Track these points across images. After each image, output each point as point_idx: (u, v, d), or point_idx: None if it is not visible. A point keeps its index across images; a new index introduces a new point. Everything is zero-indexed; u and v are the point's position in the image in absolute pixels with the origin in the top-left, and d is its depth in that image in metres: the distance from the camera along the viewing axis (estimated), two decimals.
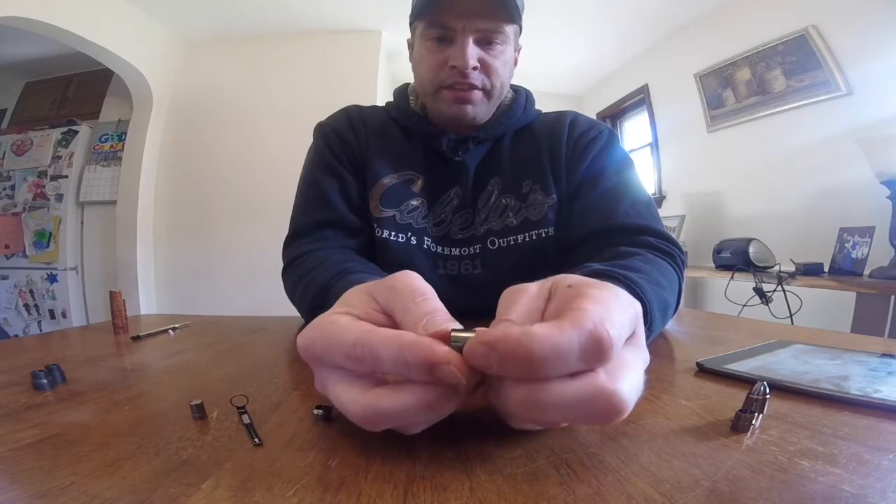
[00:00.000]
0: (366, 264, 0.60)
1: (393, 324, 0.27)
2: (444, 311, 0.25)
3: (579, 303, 0.22)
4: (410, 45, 0.71)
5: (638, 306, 0.25)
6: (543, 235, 0.68)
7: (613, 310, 0.22)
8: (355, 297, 0.29)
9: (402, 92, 0.75)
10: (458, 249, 0.70)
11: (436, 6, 0.62)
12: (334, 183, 0.68)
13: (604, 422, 0.21)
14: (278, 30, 2.99)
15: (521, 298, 0.25)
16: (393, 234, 0.68)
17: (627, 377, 0.21)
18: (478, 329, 0.22)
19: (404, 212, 0.69)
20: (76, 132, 3.09)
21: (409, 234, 0.69)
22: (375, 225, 0.68)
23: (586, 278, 0.26)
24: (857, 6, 1.93)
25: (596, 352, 0.20)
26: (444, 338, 0.22)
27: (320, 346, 0.25)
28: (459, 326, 0.24)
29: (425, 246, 0.69)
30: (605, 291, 0.23)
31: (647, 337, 0.41)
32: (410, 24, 0.68)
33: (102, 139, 3.11)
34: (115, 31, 2.62)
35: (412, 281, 0.27)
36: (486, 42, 0.64)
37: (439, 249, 0.70)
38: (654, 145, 3.22)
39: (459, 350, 0.21)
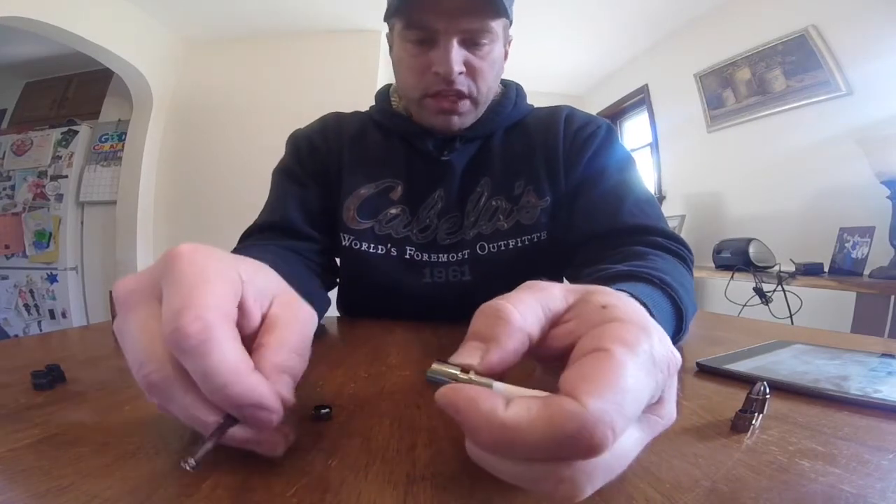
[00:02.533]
0: (286, 264, 0.53)
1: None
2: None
3: (590, 367, 0.17)
4: (390, 41, 0.66)
5: (675, 360, 0.19)
6: (536, 240, 0.65)
7: (634, 381, 0.17)
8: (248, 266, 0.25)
9: (383, 93, 0.72)
10: (445, 255, 0.66)
11: (414, 4, 0.56)
12: (293, 191, 0.67)
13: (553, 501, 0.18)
14: (278, 30, 3.00)
15: (538, 295, 0.21)
16: (371, 246, 0.66)
17: (597, 472, 0.17)
18: (461, 363, 0.19)
19: (383, 222, 0.66)
20: (76, 132, 3.09)
21: (389, 244, 0.66)
22: (353, 237, 0.66)
23: (624, 302, 0.21)
24: (857, 6, 1.93)
25: (577, 454, 0.16)
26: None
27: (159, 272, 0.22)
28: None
29: (407, 256, 0.66)
30: (640, 340, 0.18)
31: (675, 344, 0.39)
32: (387, 20, 0.63)
33: (102, 139, 3.11)
34: (115, 31, 2.62)
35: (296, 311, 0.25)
36: (472, 42, 0.59)
37: (424, 257, 0.66)
38: (654, 145, 3.22)
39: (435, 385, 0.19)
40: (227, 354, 0.20)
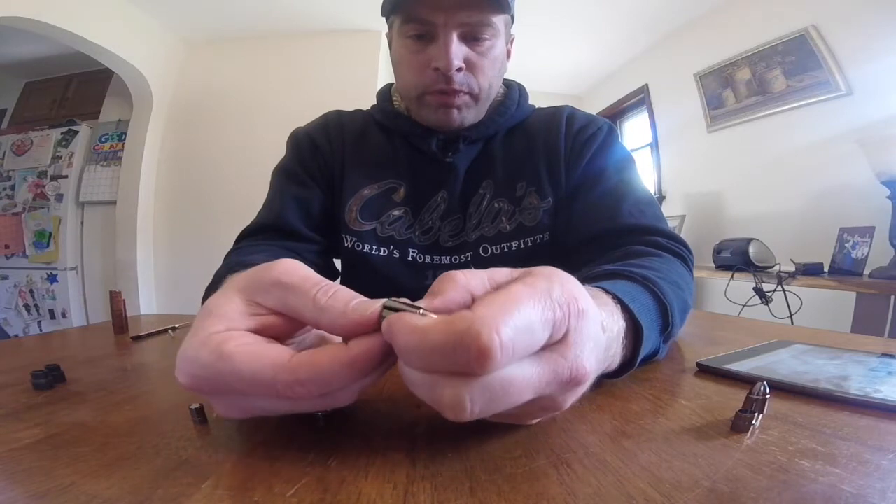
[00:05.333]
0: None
1: (284, 320, 0.25)
2: (359, 296, 0.24)
3: (487, 298, 0.20)
4: (389, 40, 0.66)
5: (577, 304, 0.22)
6: (538, 241, 0.64)
7: (524, 304, 0.20)
8: (227, 306, 0.25)
9: (384, 93, 0.72)
10: (448, 258, 0.65)
11: None
12: (293, 191, 0.66)
13: (445, 415, 0.20)
14: (278, 30, 2.99)
15: (489, 271, 0.24)
16: (374, 248, 0.65)
17: (477, 387, 0.19)
18: (411, 303, 0.22)
19: (385, 223, 0.65)
20: (76, 132, 3.09)
21: (391, 246, 0.65)
22: (355, 239, 0.65)
23: (545, 268, 0.24)
24: (857, 6, 1.93)
25: (468, 355, 0.18)
26: (374, 321, 0.22)
27: (229, 383, 0.22)
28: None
29: (409, 258, 0.65)
30: (538, 281, 0.21)
31: (667, 340, 0.39)
32: (386, 17, 0.63)
33: (102, 139, 3.11)
34: (115, 31, 2.62)
35: (300, 270, 0.25)
36: (472, 37, 0.58)
37: (427, 259, 0.66)
38: (654, 145, 3.22)
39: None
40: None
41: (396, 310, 0.22)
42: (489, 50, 0.60)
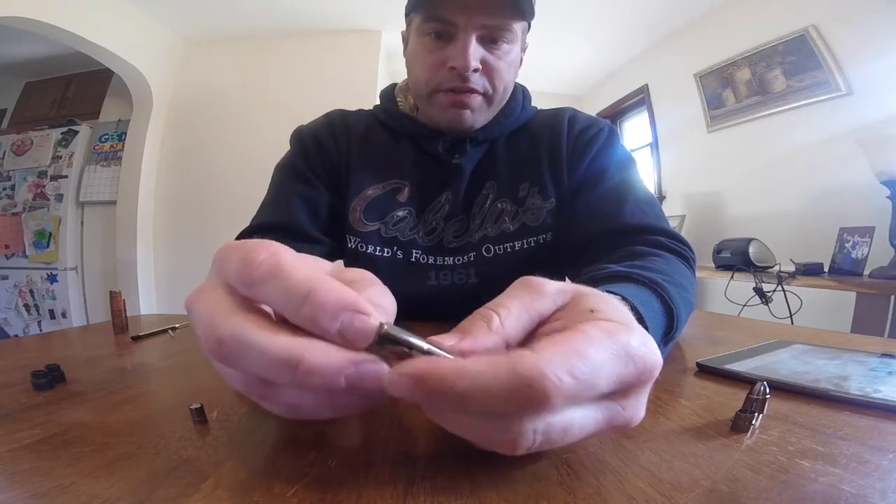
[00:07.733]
0: None
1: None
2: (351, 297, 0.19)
3: (559, 337, 0.19)
4: (405, 38, 0.66)
5: (652, 360, 0.20)
6: (541, 241, 0.65)
7: (596, 355, 0.18)
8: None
9: (388, 93, 0.71)
10: (451, 258, 0.66)
11: None
12: (298, 190, 0.64)
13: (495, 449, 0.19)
14: (278, 30, 3.00)
15: (526, 298, 0.22)
16: (377, 248, 0.64)
17: (541, 422, 0.18)
18: (436, 340, 0.20)
19: (389, 224, 0.65)
20: (76, 132, 3.09)
21: (395, 247, 0.65)
22: (359, 239, 0.64)
23: (612, 306, 0.22)
24: (857, 6, 1.93)
25: (523, 403, 0.17)
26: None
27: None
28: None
29: (413, 259, 0.65)
30: (619, 332, 0.20)
31: (669, 342, 0.39)
32: (406, 14, 0.63)
33: (102, 139, 3.11)
34: (115, 31, 2.62)
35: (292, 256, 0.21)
36: (490, 40, 0.58)
37: (431, 260, 0.66)
38: (654, 145, 3.22)
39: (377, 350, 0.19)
40: (303, 268, 0.19)
41: (397, 341, 0.19)
42: (506, 54, 0.60)
